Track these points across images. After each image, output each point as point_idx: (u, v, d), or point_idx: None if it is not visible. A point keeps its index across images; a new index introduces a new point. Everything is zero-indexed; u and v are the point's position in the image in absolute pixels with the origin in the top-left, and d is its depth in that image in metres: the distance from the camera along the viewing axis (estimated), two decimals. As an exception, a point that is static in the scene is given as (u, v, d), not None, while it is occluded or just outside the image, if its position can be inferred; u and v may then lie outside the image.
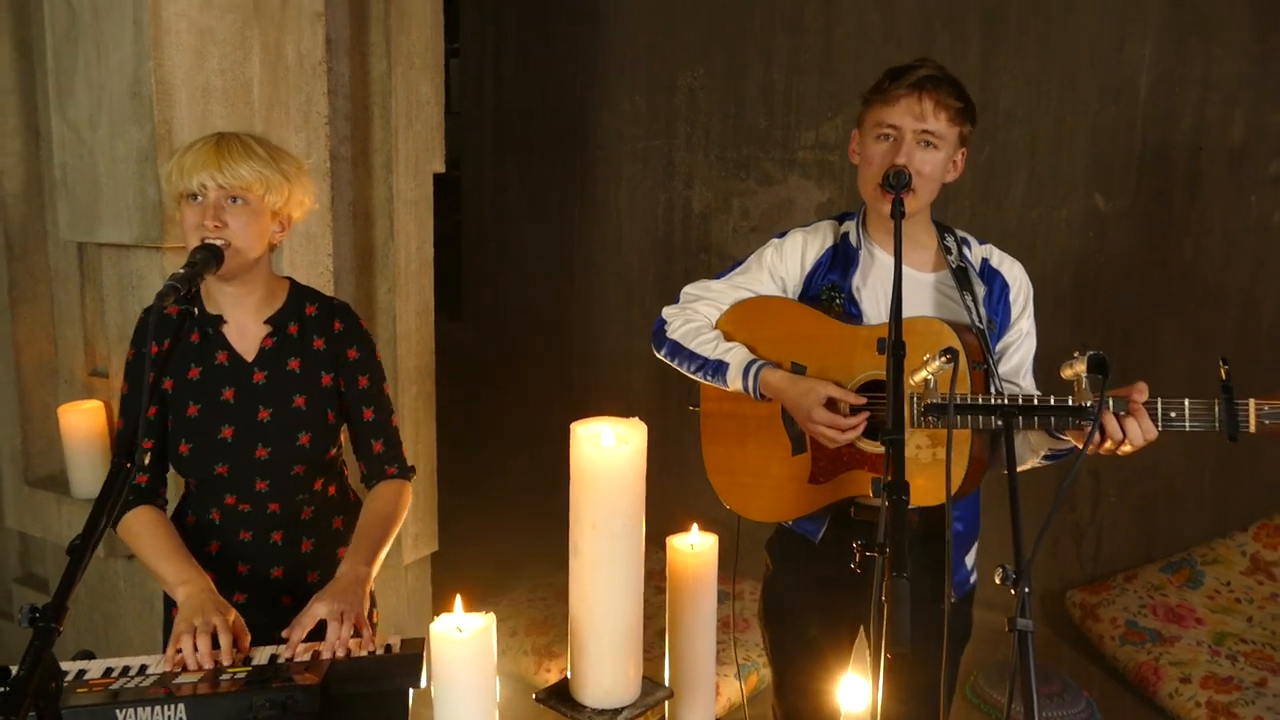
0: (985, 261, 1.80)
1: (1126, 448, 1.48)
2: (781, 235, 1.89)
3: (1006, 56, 3.69)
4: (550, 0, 4.89)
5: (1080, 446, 1.48)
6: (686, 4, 4.38)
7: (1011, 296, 1.78)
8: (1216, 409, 1.41)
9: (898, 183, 1.61)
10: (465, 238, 5.39)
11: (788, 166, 4.21)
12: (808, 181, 4.17)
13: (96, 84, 2.29)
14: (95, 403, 2.59)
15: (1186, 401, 1.44)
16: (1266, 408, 1.39)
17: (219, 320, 1.70)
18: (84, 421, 2.55)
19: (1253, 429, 1.40)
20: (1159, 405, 1.45)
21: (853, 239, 1.82)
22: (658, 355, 1.93)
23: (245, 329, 1.71)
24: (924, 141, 1.69)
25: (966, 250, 1.79)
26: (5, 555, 3.10)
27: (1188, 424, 1.44)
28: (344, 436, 1.86)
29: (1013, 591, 1.11)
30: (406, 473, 1.84)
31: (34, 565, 3.02)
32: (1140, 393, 1.46)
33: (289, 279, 1.79)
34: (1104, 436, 1.47)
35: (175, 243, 2.30)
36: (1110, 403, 1.46)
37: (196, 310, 1.63)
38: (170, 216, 2.20)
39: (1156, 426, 1.46)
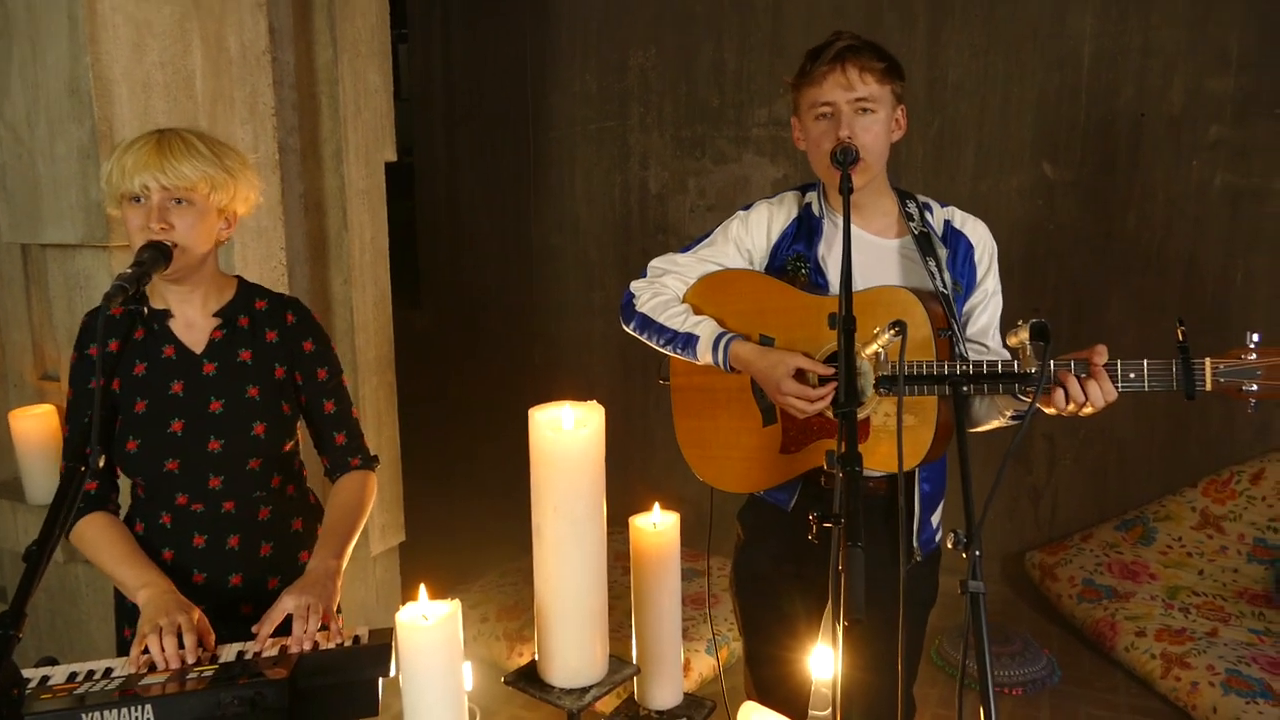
0: (948, 224, 1.81)
1: (1088, 409, 1.51)
2: (747, 207, 1.90)
3: (952, 31, 3.73)
4: (498, -17, 4.84)
5: (1041, 408, 1.51)
6: (635, -16, 4.37)
7: (976, 257, 1.80)
8: (1174, 369, 1.44)
9: (845, 158, 1.63)
10: (420, 225, 5.34)
11: (742, 144, 4.23)
12: (762, 158, 4.20)
13: (33, 82, 2.24)
14: (47, 407, 2.55)
15: (1145, 362, 1.47)
16: (1222, 366, 1.43)
17: (165, 314, 1.66)
18: (36, 427, 2.51)
19: (1209, 387, 1.44)
20: (1118, 366, 1.49)
21: (815, 209, 1.84)
22: (626, 329, 1.93)
23: (193, 323, 1.68)
24: (861, 109, 1.70)
25: (928, 215, 1.81)
26: (-39, 565, 3.04)
27: (1146, 384, 1.47)
28: (301, 435, 1.83)
29: (964, 555, 1.14)
30: (370, 463, 1.82)
31: (-9, 574, 2.97)
32: (1100, 355, 1.49)
33: (237, 277, 1.77)
34: (1067, 399, 1.50)
35: (122, 241, 2.26)
36: (1062, 366, 1.49)
37: (147, 310, 1.60)
38: (115, 215, 2.16)
39: (1116, 388, 1.49)
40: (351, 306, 2.92)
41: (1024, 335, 1.29)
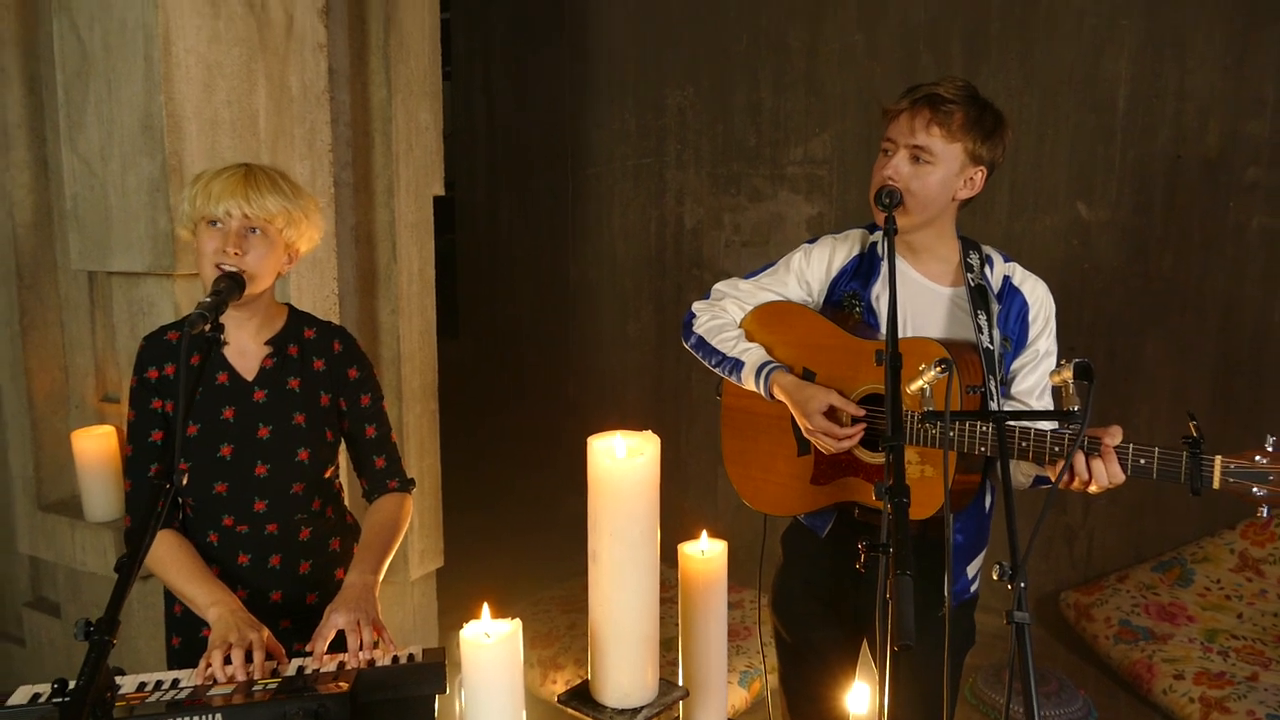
0: (1007, 279, 1.80)
1: (1094, 488, 1.49)
2: (812, 240, 1.95)
3: (988, 74, 3.79)
4: (539, 24, 4.98)
5: (1051, 479, 1.49)
6: (673, 25, 4.48)
7: (1031, 316, 1.78)
8: (1184, 462, 1.42)
9: (890, 201, 1.68)
10: (460, 258, 5.46)
11: (777, 182, 4.30)
12: (797, 196, 4.26)
13: (107, 118, 2.35)
14: (107, 428, 2.64)
15: (1156, 450, 1.45)
16: (1232, 466, 1.40)
17: (220, 342, 1.75)
18: (96, 446, 2.60)
19: (1216, 485, 1.41)
20: (1130, 451, 1.47)
21: (879, 249, 1.85)
22: (685, 345, 2.01)
23: (245, 350, 1.76)
24: (915, 157, 1.70)
25: (988, 269, 1.80)
26: (15, 580, 3.13)
27: (1155, 473, 1.45)
28: (341, 458, 1.90)
29: (1009, 587, 1.17)
30: (407, 486, 1.90)
31: (45, 589, 3.06)
32: (1113, 436, 1.48)
33: (287, 305, 1.85)
34: (1072, 475, 1.49)
35: (184, 270, 2.36)
36: (1086, 444, 1.46)
37: (223, 338, 1.68)
38: (184, 245, 2.26)
39: (1125, 472, 1.48)
40: (398, 336, 3.00)
41: (1067, 374, 1.32)
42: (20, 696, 1.42)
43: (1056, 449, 1.51)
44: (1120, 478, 1.49)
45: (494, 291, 5.33)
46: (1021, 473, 1.74)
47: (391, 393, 3.01)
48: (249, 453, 1.73)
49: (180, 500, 1.77)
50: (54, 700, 1.01)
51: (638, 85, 4.62)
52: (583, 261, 4.93)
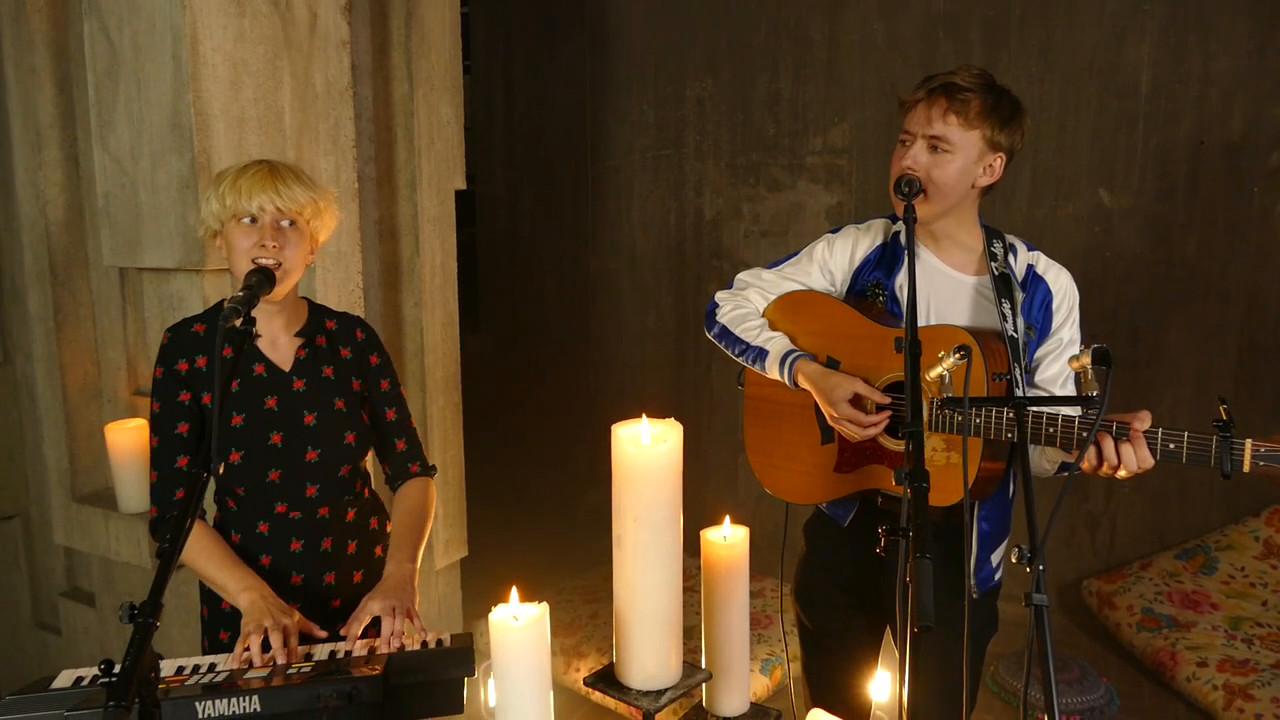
0: (1030, 268, 1.81)
1: (1122, 472, 1.51)
2: (835, 230, 1.96)
3: (1009, 61, 3.77)
4: (558, 17, 5.00)
5: (1082, 464, 1.51)
6: (692, 17, 4.49)
7: (1054, 304, 1.79)
8: (1214, 446, 1.43)
9: (909, 190, 1.69)
10: (480, 250, 5.50)
11: (796, 172, 4.31)
12: (816, 186, 4.26)
13: (137, 117, 2.40)
14: (139, 421, 2.70)
15: (1186, 434, 1.46)
16: (1263, 449, 1.41)
17: (253, 335, 1.79)
18: (129, 439, 2.65)
19: (1246, 469, 1.42)
20: (1159, 435, 1.48)
21: (902, 238, 1.85)
22: (708, 335, 2.03)
23: (277, 342, 1.80)
24: (933, 146, 1.71)
25: (1012, 258, 1.81)
26: (51, 570, 3.20)
27: (1185, 457, 1.46)
28: None
29: (1028, 570, 1.19)
30: (428, 470, 1.94)
31: (79, 580, 3.12)
32: (1142, 421, 1.49)
33: (305, 299, 1.90)
34: (1100, 460, 1.50)
35: (213, 266, 2.40)
36: (1103, 427, 1.48)
37: (255, 331, 1.72)
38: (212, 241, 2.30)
39: (1154, 456, 1.49)
40: (422, 328, 3.04)
41: (1086, 360, 1.33)
42: (63, 680, 1.46)
43: (1084, 434, 1.52)
44: (1149, 462, 1.50)
45: (514, 284, 5.36)
46: (1048, 459, 1.75)
47: (415, 384, 3.06)
48: (299, 439, 1.77)
49: (228, 491, 1.80)
50: (100, 681, 1.05)
51: (657, 77, 4.64)
52: (602, 253, 4.95)
